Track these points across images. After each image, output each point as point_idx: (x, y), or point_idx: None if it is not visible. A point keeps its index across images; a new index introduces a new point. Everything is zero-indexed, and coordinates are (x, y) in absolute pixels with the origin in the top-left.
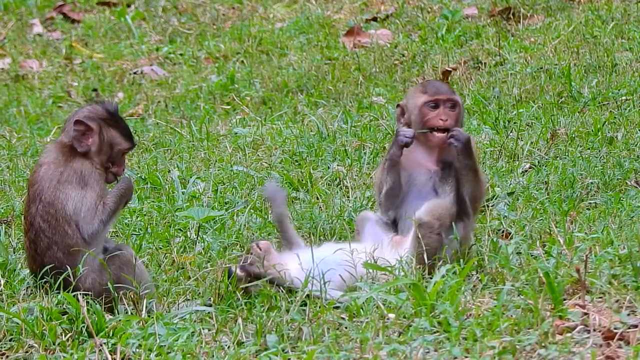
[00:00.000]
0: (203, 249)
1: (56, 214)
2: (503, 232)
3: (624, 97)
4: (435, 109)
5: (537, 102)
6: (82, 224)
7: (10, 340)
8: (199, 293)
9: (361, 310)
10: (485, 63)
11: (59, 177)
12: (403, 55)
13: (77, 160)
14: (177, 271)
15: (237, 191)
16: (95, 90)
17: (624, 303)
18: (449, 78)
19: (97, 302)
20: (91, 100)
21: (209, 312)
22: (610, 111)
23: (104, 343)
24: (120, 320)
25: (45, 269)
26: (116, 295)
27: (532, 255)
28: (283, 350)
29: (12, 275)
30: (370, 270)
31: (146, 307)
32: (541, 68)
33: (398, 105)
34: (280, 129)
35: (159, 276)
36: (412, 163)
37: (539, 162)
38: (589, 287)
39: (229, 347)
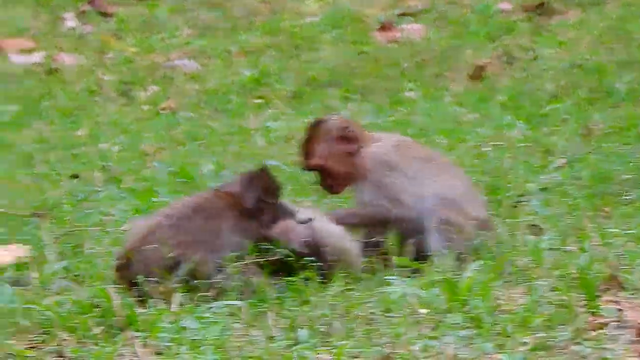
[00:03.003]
0: None
1: None
2: (536, 227)
3: None
4: None
5: (571, 97)
6: None
7: (42, 333)
8: (230, 287)
9: (393, 305)
10: (518, 58)
11: None
12: (435, 50)
13: None
14: None
15: None
16: (127, 83)
17: None
18: (482, 73)
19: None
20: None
21: (240, 306)
22: None
23: (136, 336)
24: (151, 313)
25: None
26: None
27: (565, 251)
28: (314, 345)
29: (45, 268)
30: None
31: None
32: (575, 63)
33: None
34: None
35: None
36: None
37: (572, 157)
38: (623, 283)
39: (260, 341)
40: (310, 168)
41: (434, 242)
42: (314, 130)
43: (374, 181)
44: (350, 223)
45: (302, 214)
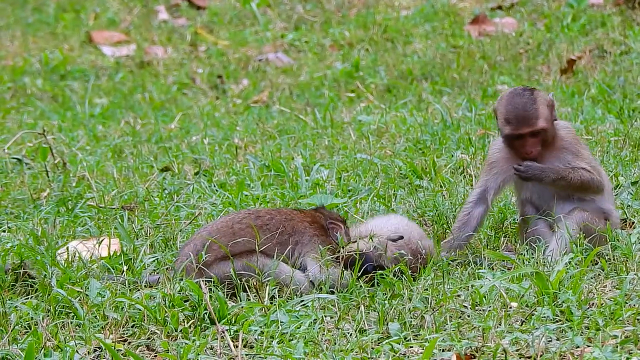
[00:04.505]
0: None
1: None
2: (627, 221)
3: None
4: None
5: None
6: None
7: (132, 326)
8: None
9: (483, 298)
10: (610, 52)
11: None
12: (528, 44)
13: None
14: None
15: (361, 179)
16: (220, 77)
17: None
18: (574, 67)
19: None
20: None
21: (331, 300)
22: None
23: (226, 330)
24: (242, 307)
25: None
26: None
27: None
28: (405, 338)
29: (135, 261)
30: None
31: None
32: None
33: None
34: (405, 117)
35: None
36: None
37: None
38: None
39: (351, 334)
40: (536, 130)
41: (570, 225)
42: (534, 96)
43: (572, 150)
44: (547, 176)
45: (393, 232)
